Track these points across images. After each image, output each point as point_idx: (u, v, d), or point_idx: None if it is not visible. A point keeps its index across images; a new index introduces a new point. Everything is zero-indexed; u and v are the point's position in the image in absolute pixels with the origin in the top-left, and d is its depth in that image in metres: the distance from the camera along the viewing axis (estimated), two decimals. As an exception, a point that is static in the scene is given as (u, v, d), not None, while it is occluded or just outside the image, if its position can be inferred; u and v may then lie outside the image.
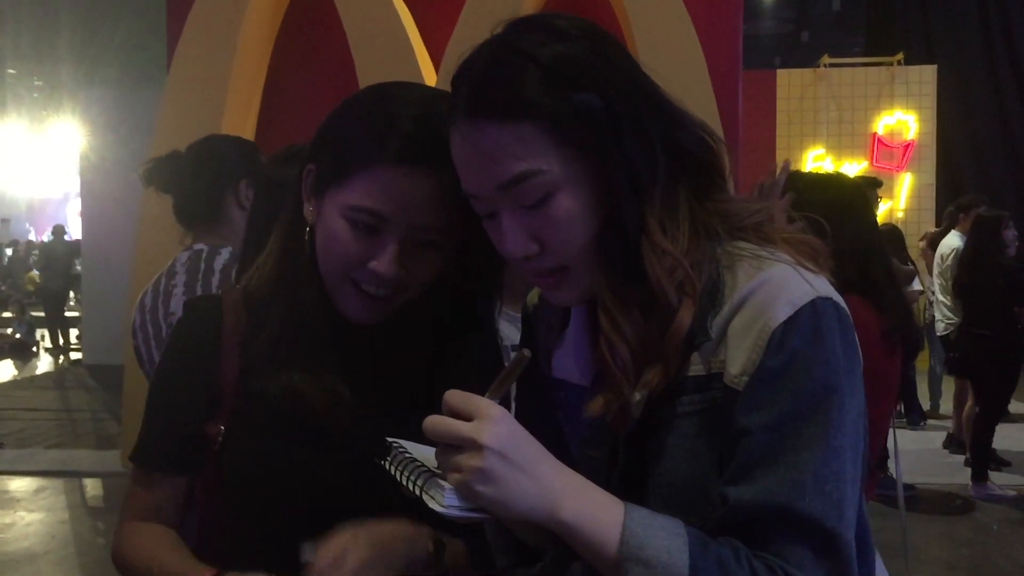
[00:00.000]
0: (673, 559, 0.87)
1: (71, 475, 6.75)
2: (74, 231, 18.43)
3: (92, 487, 6.64)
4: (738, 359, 0.94)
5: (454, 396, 0.89)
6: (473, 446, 0.86)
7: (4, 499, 6.19)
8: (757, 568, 0.89)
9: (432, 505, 0.88)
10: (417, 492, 0.89)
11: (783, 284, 0.95)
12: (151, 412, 1.32)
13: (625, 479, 0.95)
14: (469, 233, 1.14)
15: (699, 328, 0.97)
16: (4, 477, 6.70)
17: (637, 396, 0.96)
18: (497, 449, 0.86)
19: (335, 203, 1.17)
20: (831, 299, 0.96)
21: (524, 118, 0.94)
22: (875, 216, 2.51)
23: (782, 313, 0.93)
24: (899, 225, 9.47)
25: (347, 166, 1.17)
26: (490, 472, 0.86)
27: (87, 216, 12.55)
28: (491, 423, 0.86)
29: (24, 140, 25.66)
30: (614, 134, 0.96)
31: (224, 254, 2.26)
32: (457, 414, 0.88)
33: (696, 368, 0.97)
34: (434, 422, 0.88)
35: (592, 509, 0.90)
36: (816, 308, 0.94)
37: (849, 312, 0.98)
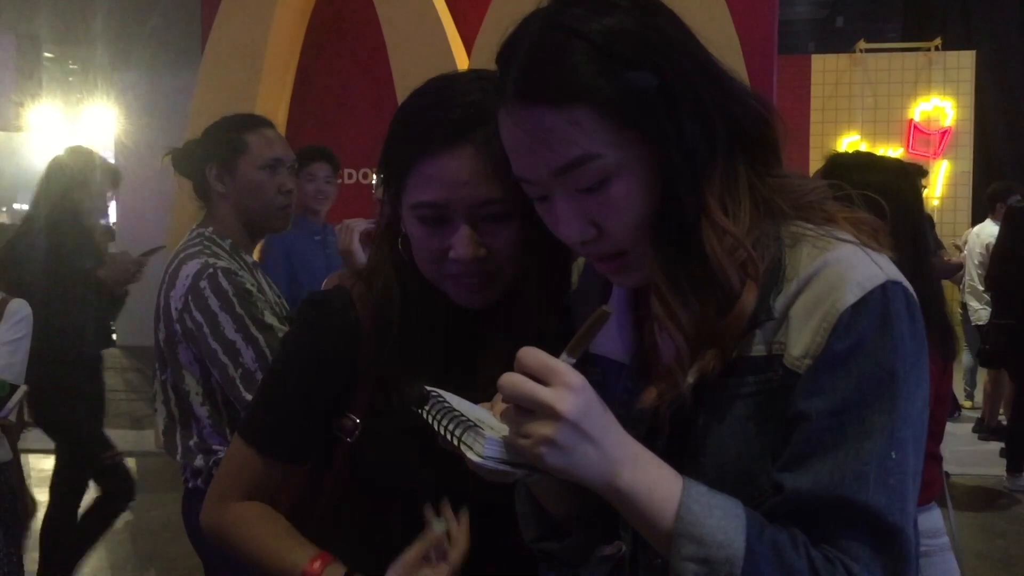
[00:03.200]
0: (728, 539, 0.85)
1: (105, 455, 6.82)
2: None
3: (126, 466, 6.72)
4: (801, 341, 0.91)
5: (530, 356, 0.85)
6: (550, 414, 0.82)
7: (39, 477, 6.27)
8: (814, 557, 0.86)
9: (470, 455, 0.85)
10: (455, 442, 0.86)
11: (851, 265, 0.91)
12: (277, 396, 1.32)
13: (666, 458, 0.92)
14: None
15: (761, 307, 0.93)
16: (39, 456, 6.78)
17: (690, 379, 0.93)
18: (573, 420, 0.82)
19: (406, 207, 1.20)
20: (901, 283, 0.92)
21: (577, 101, 0.90)
22: (923, 205, 2.45)
23: (851, 295, 0.89)
24: (935, 213, 9.33)
25: (402, 170, 1.18)
26: (561, 442, 0.83)
27: (121, 199, 12.65)
28: (571, 393, 0.83)
29: (60, 123, 25.92)
30: (671, 112, 0.91)
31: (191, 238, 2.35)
32: (533, 376, 0.84)
33: (757, 348, 0.93)
34: (513, 381, 0.84)
35: (649, 481, 0.87)
36: (886, 292, 0.90)
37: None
